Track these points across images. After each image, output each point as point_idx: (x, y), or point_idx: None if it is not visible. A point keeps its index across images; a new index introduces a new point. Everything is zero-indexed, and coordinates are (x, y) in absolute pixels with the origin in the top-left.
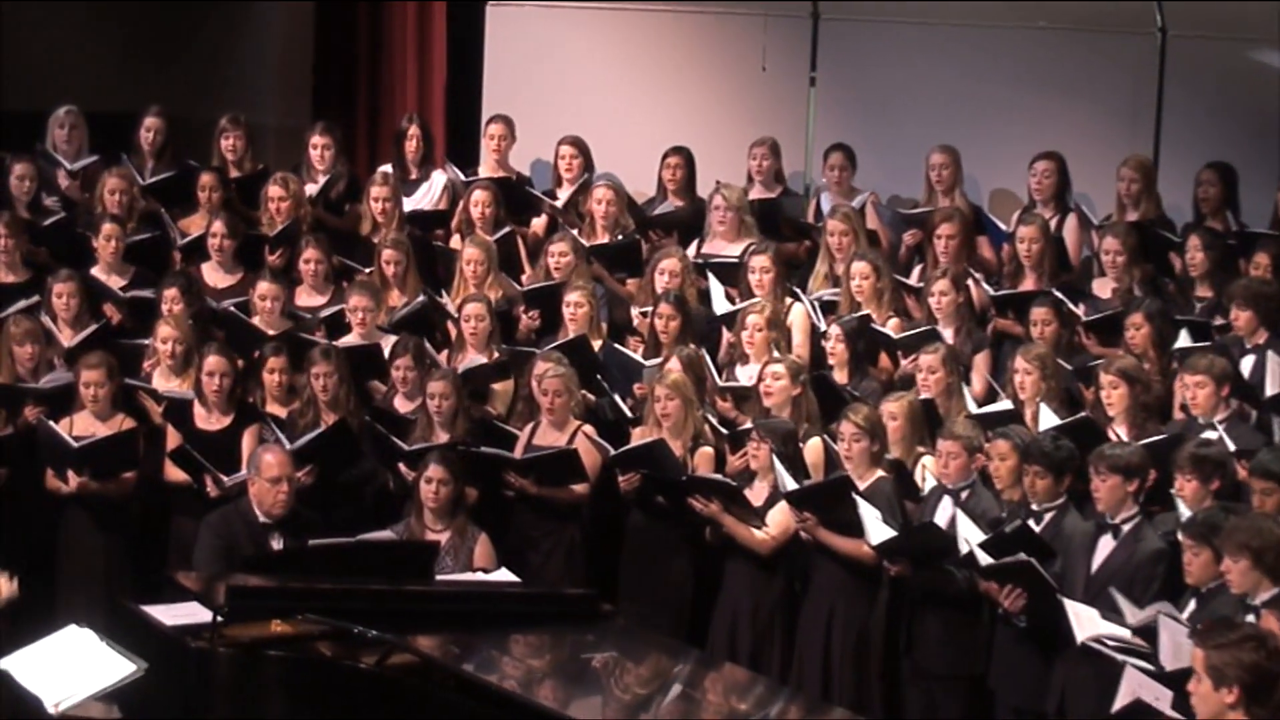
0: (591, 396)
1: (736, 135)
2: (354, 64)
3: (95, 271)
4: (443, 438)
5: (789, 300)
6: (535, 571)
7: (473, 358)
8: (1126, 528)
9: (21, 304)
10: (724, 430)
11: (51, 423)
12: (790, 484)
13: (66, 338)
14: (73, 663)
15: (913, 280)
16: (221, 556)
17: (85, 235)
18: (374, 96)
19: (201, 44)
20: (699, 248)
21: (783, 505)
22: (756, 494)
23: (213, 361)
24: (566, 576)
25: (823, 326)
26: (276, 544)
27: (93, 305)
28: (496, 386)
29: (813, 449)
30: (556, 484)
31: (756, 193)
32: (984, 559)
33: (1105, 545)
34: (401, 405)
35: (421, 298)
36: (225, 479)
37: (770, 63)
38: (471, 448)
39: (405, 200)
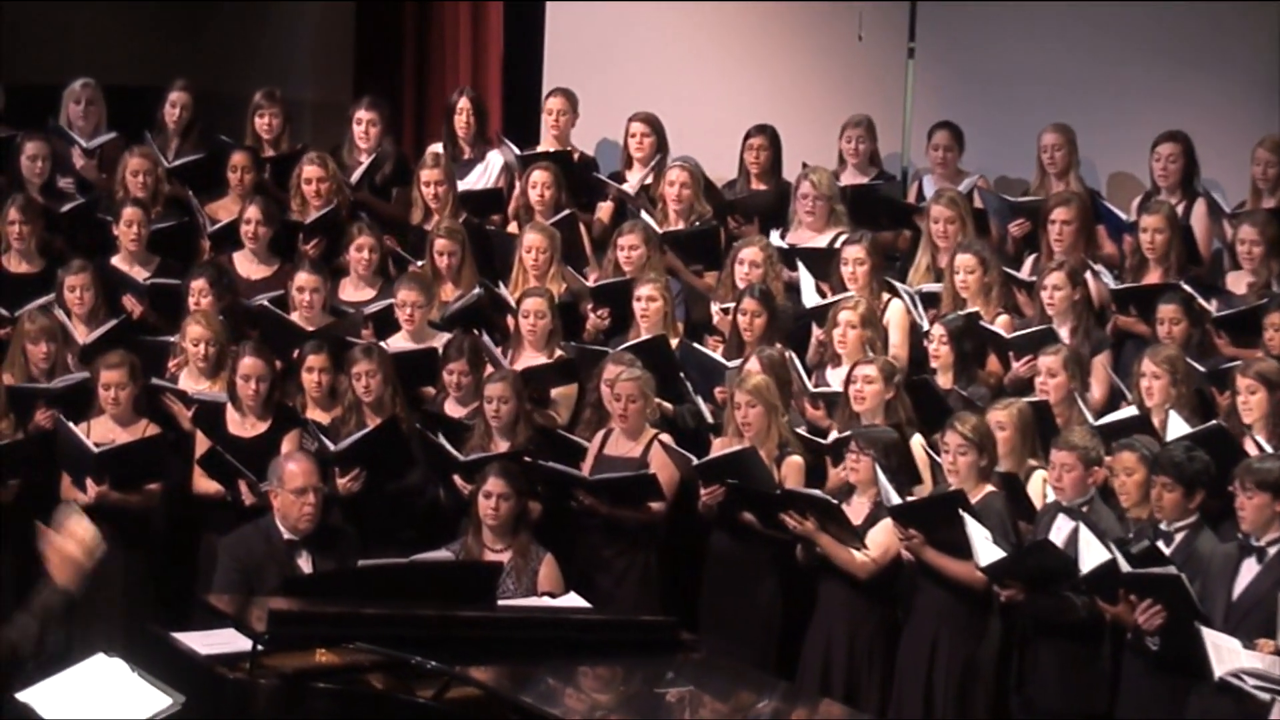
0: (668, 405)
1: (827, 113)
2: (400, 33)
3: (116, 261)
4: (502, 446)
5: (886, 295)
6: (606, 596)
7: (530, 357)
8: (1273, 550)
9: (40, 301)
10: (815, 439)
11: (72, 425)
12: (895, 498)
13: (81, 335)
14: (103, 696)
15: (1024, 274)
16: (240, 585)
17: (105, 221)
18: (422, 68)
19: (232, 11)
20: (782, 236)
21: (885, 524)
22: (856, 510)
23: (248, 363)
24: (641, 601)
25: (924, 325)
26: (304, 563)
27: (111, 298)
28: (557, 393)
29: (916, 449)
30: (631, 503)
31: (849, 177)
32: (1125, 566)
33: (1249, 570)
34: (455, 410)
35: (477, 290)
36: (261, 485)
37: (866, 31)
38: (536, 459)
39: (459, 183)
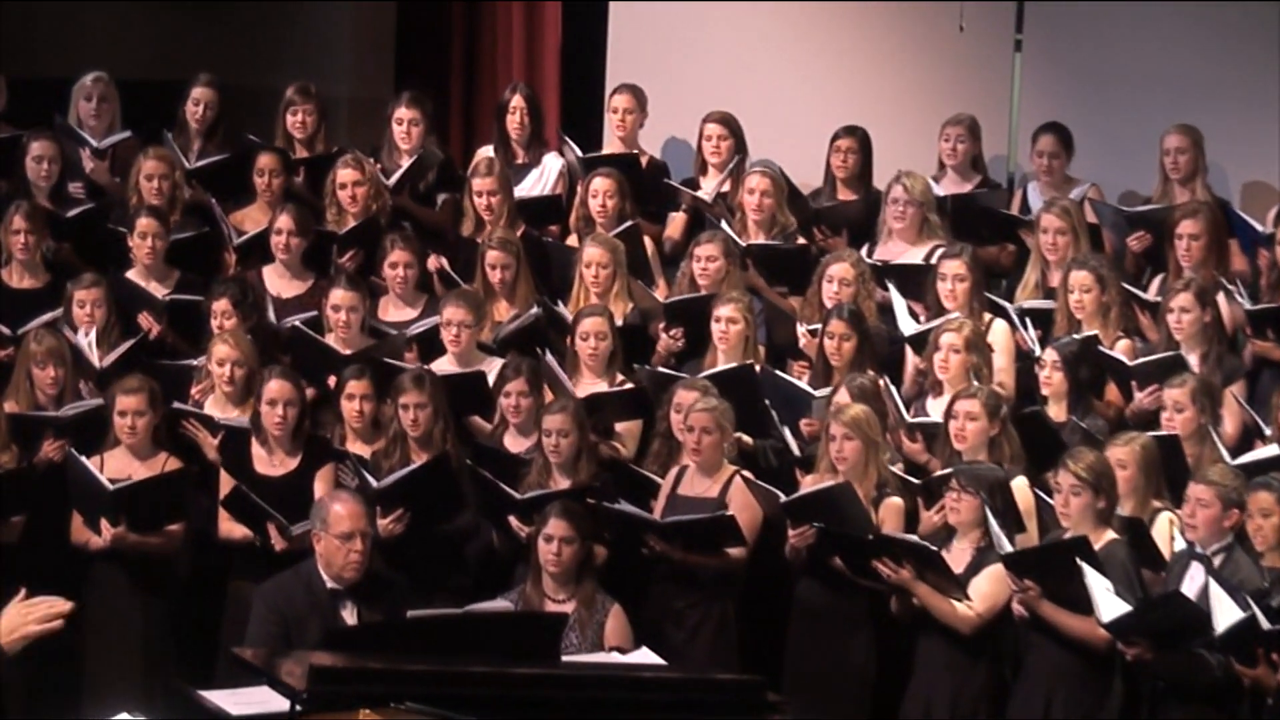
0: (748, 439)
1: (923, 112)
2: (447, 23)
3: (131, 275)
4: (563, 484)
5: (989, 316)
6: (679, 650)
7: (589, 383)
8: None
9: (46, 317)
10: (913, 478)
11: (84, 458)
12: (1007, 545)
13: (95, 357)
14: None
15: (1149, 294)
16: (278, 637)
17: (118, 231)
18: (471, 62)
19: (259, 2)
20: (869, 250)
21: (990, 572)
22: (956, 557)
23: (275, 387)
24: (718, 658)
25: (1035, 350)
26: (348, 615)
27: (125, 316)
28: (622, 426)
29: (1019, 491)
30: (708, 548)
31: (949, 184)
32: (1265, 623)
33: None
34: (512, 443)
35: (535, 309)
36: (293, 528)
37: (969, 22)
38: (602, 499)
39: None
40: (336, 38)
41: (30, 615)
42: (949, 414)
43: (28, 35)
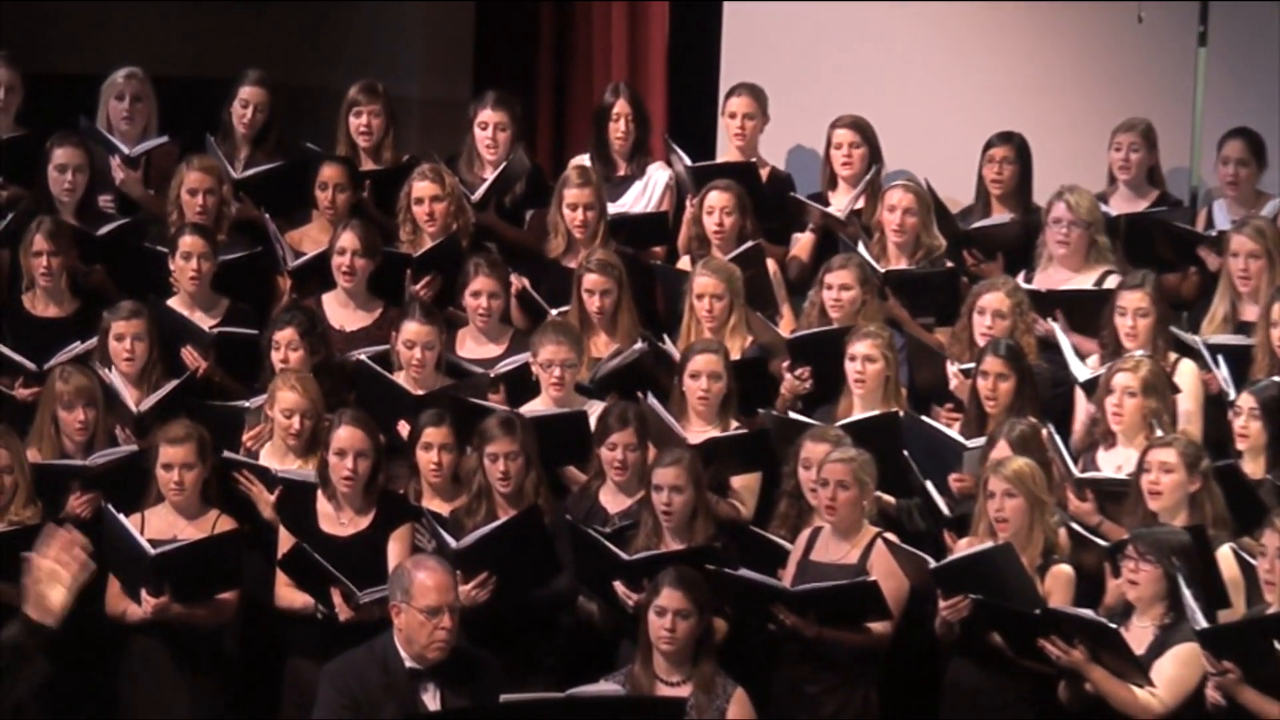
0: (888, 498)
1: (1090, 118)
2: (534, 13)
3: (172, 303)
4: (676, 547)
5: (1173, 355)
6: None
7: (700, 430)
8: None
9: (74, 349)
10: (1099, 538)
11: (122, 516)
12: (1201, 619)
13: (133, 398)
14: None
15: None
16: None
17: (156, 251)
18: (562, 60)
19: None
20: (1027, 277)
21: (1177, 653)
22: (1136, 636)
23: (345, 436)
24: None
25: (1230, 394)
26: (430, 699)
27: (166, 351)
28: (738, 481)
29: (1224, 560)
30: (846, 622)
31: (1121, 200)
32: None
33: None
34: (614, 501)
35: (638, 344)
36: (361, 595)
37: (1147, 11)
38: (722, 565)
39: (611, 205)
40: (407, 30)
41: (59, 576)
42: (1143, 466)
43: (49, 26)
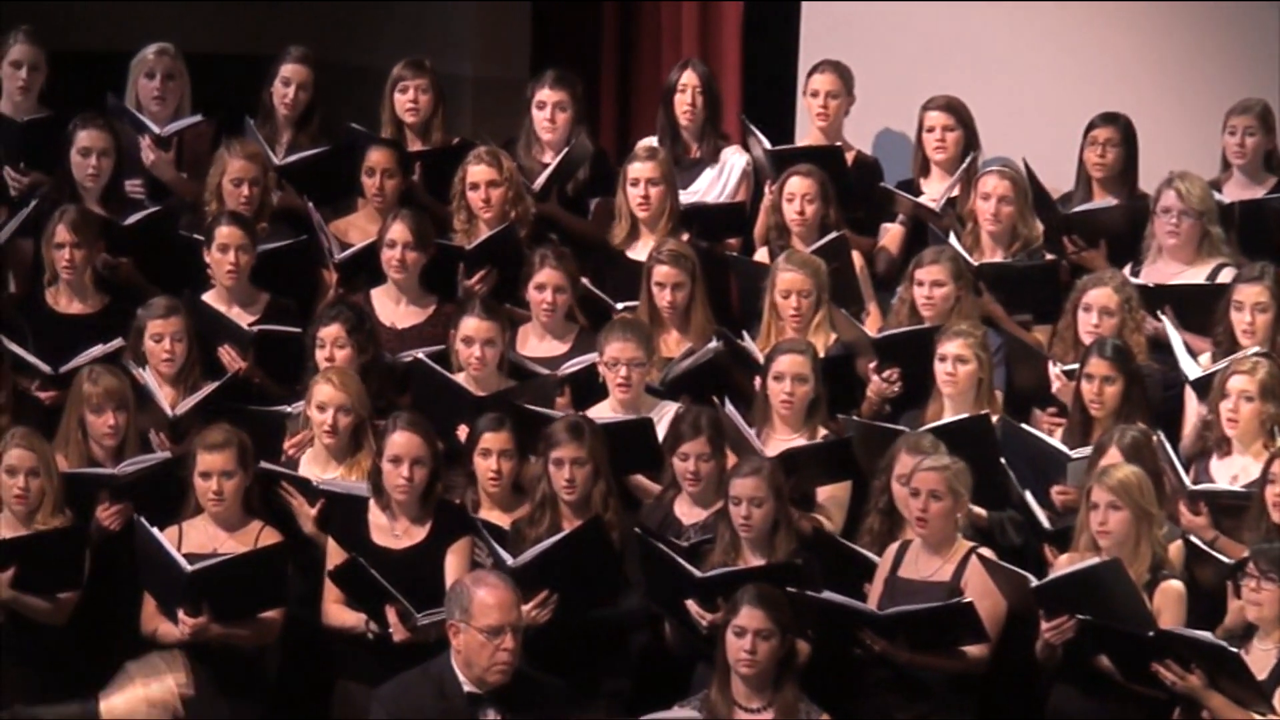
0: (980, 511)
1: (1202, 98)
2: None
3: (208, 298)
4: (754, 563)
5: None
6: None
7: (783, 438)
8: None
9: (102, 350)
10: (1222, 556)
11: (155, 529)
12: None
13: (169, 400)
14: None
15: None
16: None
17: (190, 240)
18: (627, 35)
19: None
20: (1134, 270)
21: None
22: (1257, 660)
23: (401, 442)
24: None
25: None
26: None
27: (202, 350)
28: (824, 493)
29: None
30: (939, 646)
31: (1236, 187)
32: None
33: None
34: (689, 513)
35: (713, 342)
36: (419, 615)
37: None
38: (805, 586)
39: (682, 192)
40: (459, 3)
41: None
42: (1265, 477)
43: (74, 1)
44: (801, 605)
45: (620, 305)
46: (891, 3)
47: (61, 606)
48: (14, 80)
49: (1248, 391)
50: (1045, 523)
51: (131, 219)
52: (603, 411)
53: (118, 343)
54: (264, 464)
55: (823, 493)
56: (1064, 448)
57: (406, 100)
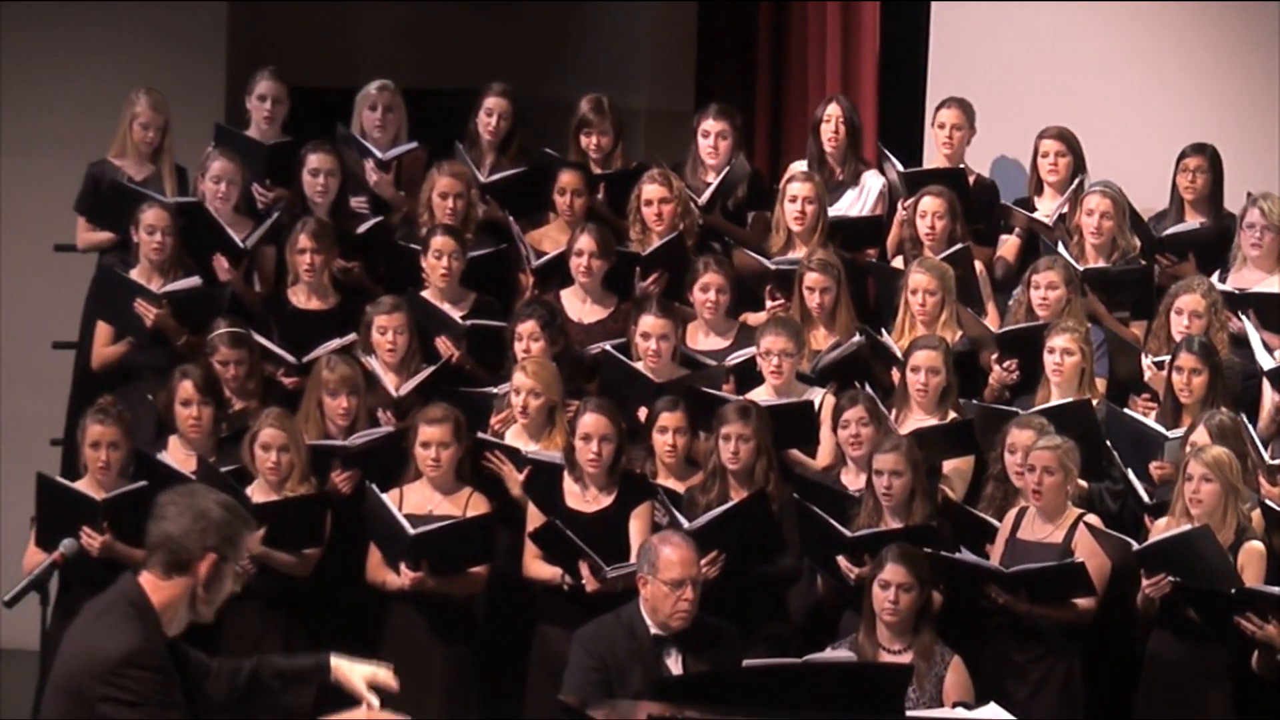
0: (1081, 483)
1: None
2: (751, 28)
3: (426, 296)
4: (894, 526)
5: None
6: (1020, 707)
7: (919, 419)
8: None
9: (338, 342)
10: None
11: (384, 496)
12: None
13: (393, 383)
14: None
15: None
16: (600, 684)
17: (409, 248)
18: (778, 74)
19: (550, 5)
20: (1220, 277)
21: None
22: None
23: (591, 422)
24: (1064, 715)
25: None
26: (673, 663)
27: (422, 341)
28: (949, 466)
29: None
30: (1053, 600)
31: None
32: None
33: None
34: (849, 481)
35: (858, 337)
36: (608, 569)
37: None
38: (939, 546)
39: (829, 209)
40: (632, 47)
41: None
42: None
43: (304, 43)
44: (937, 563)
45: (772, 303)
46: (1007, 47)
47: (306, 561)
48: (260, 111)
49: None
50: (1144, 495)
51: (363, 229)
52: (759, 395)
53: (351, 336)
54: (480, 434)
55: (948, 466)
56: (1161, 428)
57: (590, 143)
